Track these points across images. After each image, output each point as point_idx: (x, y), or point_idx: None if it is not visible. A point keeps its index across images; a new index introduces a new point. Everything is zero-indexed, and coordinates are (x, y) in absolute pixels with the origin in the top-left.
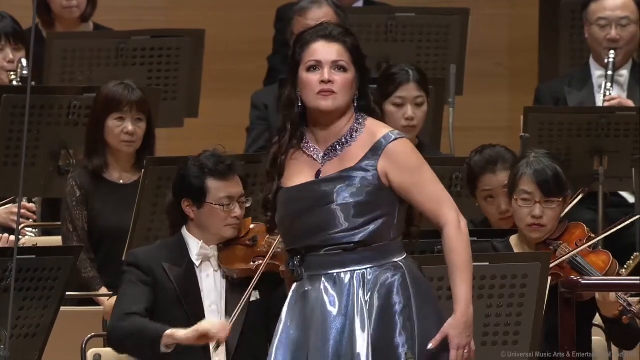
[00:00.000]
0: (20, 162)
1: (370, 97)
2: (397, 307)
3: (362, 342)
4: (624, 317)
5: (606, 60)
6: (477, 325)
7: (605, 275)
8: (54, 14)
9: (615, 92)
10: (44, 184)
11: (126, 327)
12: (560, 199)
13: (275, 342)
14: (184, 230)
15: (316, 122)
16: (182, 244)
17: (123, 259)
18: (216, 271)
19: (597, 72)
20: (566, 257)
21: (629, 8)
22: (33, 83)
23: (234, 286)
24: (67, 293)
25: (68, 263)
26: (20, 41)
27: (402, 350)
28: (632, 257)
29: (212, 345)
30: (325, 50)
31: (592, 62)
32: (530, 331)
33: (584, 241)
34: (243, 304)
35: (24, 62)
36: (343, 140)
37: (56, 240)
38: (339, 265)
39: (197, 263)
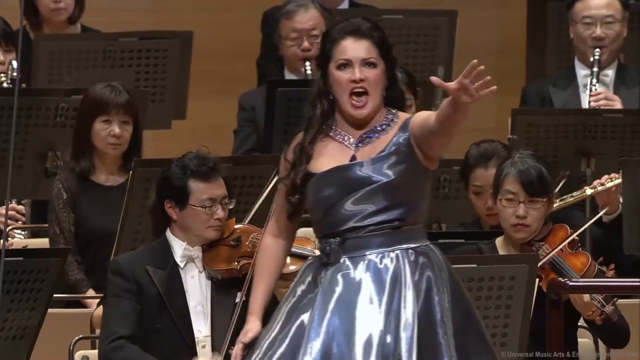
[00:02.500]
0: (7, 163)
1: (399, 87)
2: (437, 295)
3: (410, 324)
4: (597, 317)
5: (592, 59)
6: None
7: (582, 276)
8: (41, 15)
9: (600, 86)
10: (31, 185)
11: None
12: (545, 199)
13: (322, 332)
14: (168, 232)
15: (345, 117)
16: (166, 246)
17: (110, 260)
18: (201, 272)
19: (582, 72)
20: (545, 258)
21: (613, 7)
22: (23, 85)
23: (219, 287)
24: (55, 295)
25: (55, 265)
26: (11, 43)
27: (442, 340)
28: (574, 194)
29: None
30: (354, 48)
31: (577, 62)
32: (518, 332)
33: (565, 243)
34: (236, 312)
35: (15, 63)
36: (378, 128)
37: (44, 243)
38: (385, 245)
39: (181, 265)
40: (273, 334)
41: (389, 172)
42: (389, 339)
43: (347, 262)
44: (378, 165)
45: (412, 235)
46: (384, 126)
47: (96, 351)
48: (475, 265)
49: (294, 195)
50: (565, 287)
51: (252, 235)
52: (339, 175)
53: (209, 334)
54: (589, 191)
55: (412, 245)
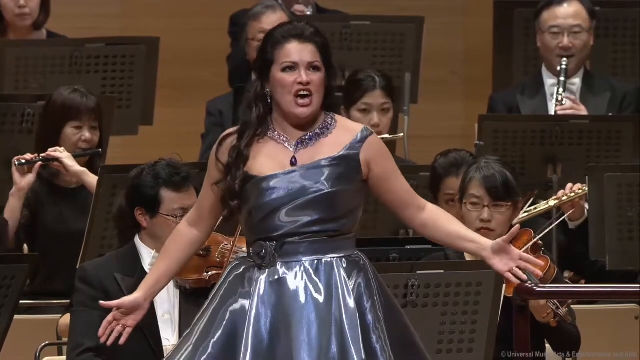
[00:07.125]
0: None
1: (334, 94)
2: (367, 302)
3: (355, 328)
4: (552, 320)
5: (558, 68)
6: (432, 332)
7: (541, 279)
8: (6, 22)
9: (567, 101)
10: None
11: None
12: (510, 204)
13: (250, 331)
14: (137, 240)
15: (286, 118)
16: (134, 253)
17: (77, 267)
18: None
19: (549, 81)
20: None
21: (580, 16)
22: None
23: (188, 296)
24: (20, 302)
25: (22, 271)
26: None
27: (377, 345)
28: (539, 205)
29: None
30: (300, 50)
31: (544, 70)
32: (485, 338)
33: (528, 247)
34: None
35: None
36: (317, 131)
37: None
38: (320, 252)
39: None
40: (202, 326)
41: (329, 183)
42: (334, 347)
43: (282, 267)
44: (319, 174)
45: (345, 244)
46: (323, 129)
47: (62, 357)
48: (442, 272)
49: (233, 201)
50: (532, 293)
51: (221, 246)
52: (280, 181)
53: (177, 342)
54: (552, 203)
55: (344, 254)
